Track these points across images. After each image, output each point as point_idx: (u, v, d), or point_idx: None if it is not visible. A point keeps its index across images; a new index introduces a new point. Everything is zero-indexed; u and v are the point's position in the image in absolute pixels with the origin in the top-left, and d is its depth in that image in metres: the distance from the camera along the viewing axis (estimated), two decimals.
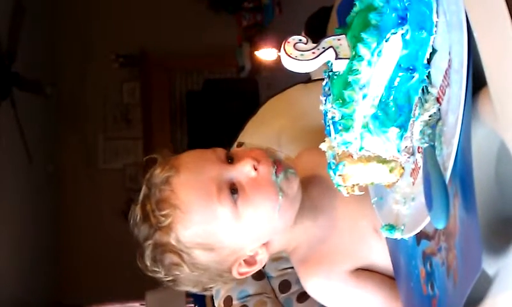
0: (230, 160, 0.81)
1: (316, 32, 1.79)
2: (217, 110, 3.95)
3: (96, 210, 3.90)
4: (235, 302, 0.99)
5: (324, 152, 0.68)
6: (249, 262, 0.84)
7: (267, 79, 4.01)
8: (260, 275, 1.01)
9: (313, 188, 0.85)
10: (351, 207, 0.83)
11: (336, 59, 0.60)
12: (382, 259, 0.81)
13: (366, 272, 0.83)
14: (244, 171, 0.80)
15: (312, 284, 0.85)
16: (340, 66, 0.61)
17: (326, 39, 0.62)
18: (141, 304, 3.35)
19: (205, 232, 0.79)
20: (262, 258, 0.84)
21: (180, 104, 4.30)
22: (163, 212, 0.79)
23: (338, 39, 0.61)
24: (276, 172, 0.80)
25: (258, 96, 4.04)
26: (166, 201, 0.79)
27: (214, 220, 0.79)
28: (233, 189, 0.79)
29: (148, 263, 0.82)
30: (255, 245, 0.83)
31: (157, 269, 0.82)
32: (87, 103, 4.12)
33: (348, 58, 0.60)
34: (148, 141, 4.15)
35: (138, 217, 0.81)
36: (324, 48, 0.61)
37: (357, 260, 0.83)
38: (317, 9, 2.02)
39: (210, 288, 0.89)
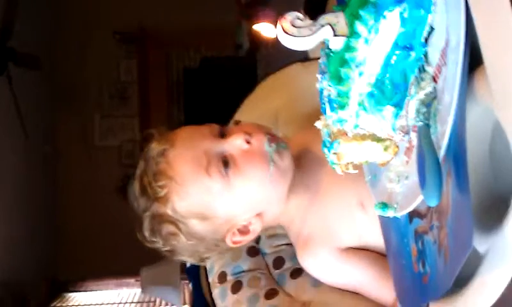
0: (223, 135, 0.84)
1: (315, 10, 1.78)
2: (215, 88, 3.94)
3: (93, 187, 3.91)
4: (229, 277, 1.00)
5: (317, 132, 0.69)
6: (243, 231, 0.87)
7: (265, 57, 4.00)
8: (254, 252, 1.03)
9: (304, 165, 0.88)
10: (338, 182, 0.84)
11: (333, 36, 0.60)
12: (370, 234, 0.83)
13: (358, 250, 0.85)
14: (235, 143, 0.83)
15: (306, 262, 0.89)
16: (337, 44, 0.60)
17: (323, 16, 0.61)
18: (136, 280, 3.38)
19: (200, 202, 0.83)
20: (255, 228, 0.87)
21: (177, 82, 4.28)
22: (159, 183, 0.82)
23: (336, 17, 0.61)
24: (269, 142, 0.81)
25: (256, 75, 4.03)
26: (162, 173, 0.83)
27: (206, 191, 0.82)
28: (225, 161, 0.82)
29: (147, 234, 0.85)
30: (249, 215, 0.86)
31: (155, 239, 0.86)
32: (84, 81, 4.11)
33: (345, 36, 0.59)
34: (144, 118, 4.15)
35: (137, 190, 0.85)
36: (321, 25, 0.60)
37: (345, 235, 0.85)
38: None
39: (207, 258, 0.92)
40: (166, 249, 0.87)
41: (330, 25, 0.60)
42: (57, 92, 4.05)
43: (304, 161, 0.89)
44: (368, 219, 0.82)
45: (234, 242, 0.88)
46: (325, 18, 0.61)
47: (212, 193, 0.82)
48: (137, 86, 4.19)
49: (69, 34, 4.05)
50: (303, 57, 1.38)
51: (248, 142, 0.82)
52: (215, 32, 4.14)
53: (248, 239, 0.89)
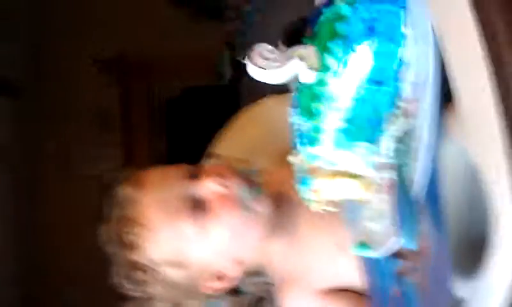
0: (195, 176, 0.81)
1: (294, 41, 1.78)
2: (197, 118, 3.93)
3: (73, 217, 3.84)
4: None
5: (291, 173, 0.67)
6: (221, 277, 0.83)
7: (248, 87, 4.00)
8: (235, 291, 0.99)
9: (282, 205, 0.85)
10: (315, 225, 0.83)
11: (304, 69, 0.58)
12: (353, 275, 0.80)
13: (339, 291, 0.82)
14: (208, 186, 0.79)
15: (285, 303, 0.85)
16: (307, 78, 0.58)
17: (293, 49, 0.59)
18: None
19: (172, 249, 0.79)
20: (233, 274, 0.83)
21: (159, 111, 4.27)
22: (128, 230, 0.79)
23: (306, 49, 0.59)
24: (243, 189, 0.79)
25: (239, 104, 4.02)
26: (132, 219, 0.79)
27: (178, 237, 0.79)
28: (197, 206, 0.78)
29: (122, 282, 0.81)
30: (225, 261, 0.82)
31: (132, 287, 0.81)
32: (65, 108, 4.07)
33: (316, 69, 0.57)
34: (126, 147, 4.11)
35: (108, 234, 0.81)
36: (290, 57, 0.58)
37: (326, 278, 0.82)
38: (296, 18, 2.01)
39: (184, 305, 0.88)
40: (145, 297, 0.82)
41: (300, 58, 0.58)
42: (37, 119, 4.01)
43: (281, 201, 0.86)
44: (349, 260, 0.79)
45: (213, 289, 0.84)
46: (295, 52, 0.59)
47: (185, 239, 0.79)
48: (119, 115, 4.17)
49: (50, 61, 4.03)
50: (285, 88, 1.36)
51: (222, 185, 0.79)
52: (197, 61, 4.14)
53: (226, 286, 0.85)
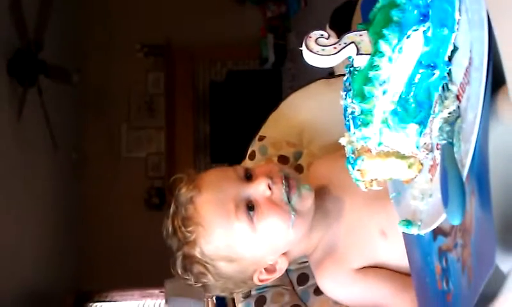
0: (249, 176, 0.88)
1: (341, 27, 1.79)
2: (240, 102, 3.96)
3: (119, 198, 3.95)
4: (253, 292, 1.01)
5: (339, 157, 0.70)
6: (270, 270, 0.91)
7: (290, 71, 4.01)
8: None
9: (325, 197, 0.91)
10: (358, 211, 0.89)
11: (357, 54, 0.61)
12: (390, 258, 0.86)
13: (373, 268, 0.87)
14: (259, 189, 0.86)
15: (324, 284, 0.91)
16: (361, 62, 0.61)
17: (347, 35, 0.62)
18: (161, 291, 3.40)
19: (226, 246, 0.87)
20: (282, 266, 0.91)
21: (203, 95, 4.32)
22: (188, 229, 0.87)
23: (360, 35, 0.62)
24: (288, 193, 0.86)
25: (282, 89, 4.04)
26: (190, 218, 0.87)
27: (233, 235, 0.86)
28: (250, 206, 0.86)
29: (180, 271, 0.91)
30: (274, 256, 0.90)
31: (188, 277, 0.91)
32: (112, 93, 4.17)
33: (369, 54, 0.60)
34: (170, 130, 4.19)
35: (169, 230, 0.90)
36: (345, 43, 0.61)
37: (364, 259, 0.88)
38: (342, 2, 2.02)
39: (237, 292, 0.95)
40: (198, 285, 0.91)
41: (354, 43, 0.61)
42: (86, 104, 4.12)
43: (326, 191, 0.92)
44: (389, 245, 0.85)
45: (261, 280, 0.91)
46: (349, 37, 0.62)
47: (238, 237, 0.86)
48: (164, 99, 4.24)
49: (98, 46, 4.12)
50: (328, 72, 1.38)
51: (270, 188, 0.86)
52: (241, 45, 4.17)
53: (274, 277, 0.92)
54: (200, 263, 0.88)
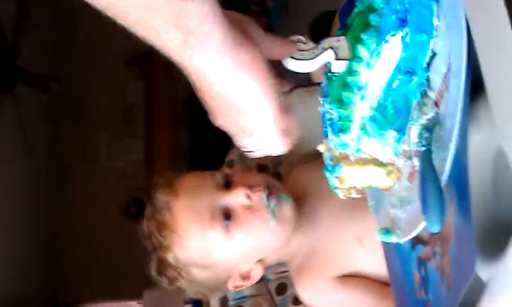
0: (227, 184, 0.87)
1: (320, 35, 1.79)
2: None
3: (97, 208, 3.90)
4: (231, 302, 1.00)
5: (312, 168, 0.70)
6: (244, 277, 0.91)
7: None
8: None
9: (303, 205, 0.91)
10: (336, 219, 0.89)
11: (335, 59, 0.60)
12: (368, 266, 0.86)
13: (353, 277, 0.87)
14: (237, 199, 0.86)
15: (303, 291, 0.91)
16: (339, 67, 0.60)
17: (325, 40, 0.61)
18: (139, 303, 3.35)
19: (200, 253, 0.86)
20: (256, 274, 0.90)
21: (183, 104, 4.30)
22: (162, 234, 0.87)
23: (338, 40, 0.61)
24: (268, 198, 0.83)
25: None
26: (165, 224, 0.87)
27: (207, 243, 0.86)
28: (227, 215, 0.85)
29: (154, 273, 0.91)
30: (249, 263, 0.88)
31: (161, 279, 0.91)
32: (90, 101, 4.13)
33: (347, 59, 0.59)
34: (150, 140, 4.16)
35: (145, 232, 0.90)
36: (323, 48, 0.60)
37: (342, 267, 0.88)
38: (321, 13, 2.02)
39: (212, 296, 0.94)
40: (171, 288, 0.92)
41: (332, 48, 0.60)
42: (64, 112, 4.07)
43: (304, 199, 0.91)
44: (366, 253, 0.85)
45: (236, 287, 0.91)
46: (327, 42, 0.61)
47: (214, 245, 0.85)
48: (143, 108, 4.21)
49: (77, 55, 4.09)
50: (306, 81, 1.37)
51: (249, 197, 0.84)
52: None
53: (249, 284, 0.92)
54: (173, 268, 0.88)
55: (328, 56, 0.60)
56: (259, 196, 0.85)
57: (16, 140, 3.31)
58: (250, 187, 0.85)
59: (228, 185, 0.87)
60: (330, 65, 0.61)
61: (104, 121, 4.19)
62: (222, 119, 0.55)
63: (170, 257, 0.86)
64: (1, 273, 3.09)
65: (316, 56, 0.60)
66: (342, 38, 0.61)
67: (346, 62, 0.59)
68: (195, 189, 0.87)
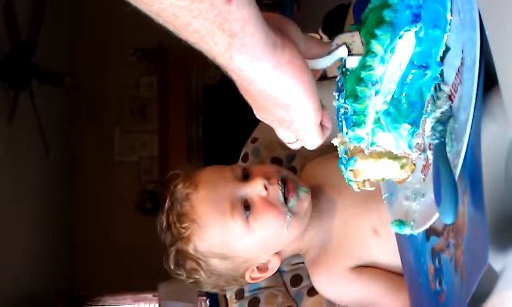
0: (246, 176, 0.89)
1: (333, 29, 1.79)
2: (233, 105, 3.96)
3: (111, 202, 3.94)
4: (246, 294, 1.01)
5: (327, 161, 0.71)
6: (262, 269, 0.93)
7: None
8: None
9: (318, 197, 0.91)
10: (351, 211, 0.90)
11: (349, 55, 0.61)
12: (382, 257, 0.86)
13: (367, 268, 0.88)
14: (255, 189, 0.87)
15: (319, 282, 0.91)
16: (352, 63, 0.61)
17: (339, 36, 0.62)
18: (154, 295, 3.39)
19: (220, 243, 0.87)
20: (274, 265, 0.91)
21: (196, 99, 4.32)
22: (183, 225, 0.88)
23: (352, 36, 0.62)
24: (286, 194, 0.87)
25: None
26: (185, 215, 0.88)
27: (227, 233, 0.87)
28: (246, 206, 0.86)
29: (172, 266, 0.91)
30: (267, 255, 0.89)
31: (180, 272, 0.92)
32: (104, 96, 4.16)
33: (361, 55, 0.60)
34: (163, 134, 4.18)
35: (163, 225, 0.91)
36: (337, 44, 0.61)
37: (357, 258, 0.88)
38: (335, 6, 2.02)
39: (228, 289, 0.95)
40: (189, 281, 0.92)
41: (346, 44, 0.61)
42: (78, 107, 4.11)
43: (319, 192, 0.92)
44: (381, 244, 0.85)
45: (253, 279, 0.92)
46: (341, 38, 0.62)
47: (233, 235, 0.86)
48: (157, 102, 4.23)
49: (91, 50, 4.11)
50: (321, 75, 1.38)
51: (266, 189, 0.86)
52: None
53: (266, 275, 0.93)
54: (193, 259, 0.88)
55: (341, 52, 0.61)
56: (276, 189, 0.86)
57: (34, 137, 3.34)
58: (267, 178, 0.87)
59: (246, 177, 0.88)
60: (344, 60, 0.62)
61: (117, 116, 4.22)
62: (261, 113, 0.59)
63: (190, 248, 0.87)
64: (18, 269, 3.14)
65: (330, 52, 0.61)
66: (356, 33, 0.62)
67: (359, 57, 0.60)
68: (215, 181, 0.88)
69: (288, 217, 0.85)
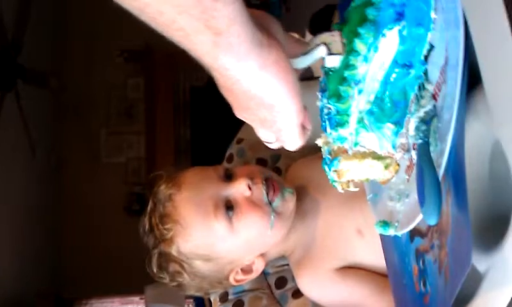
0: (229, 176, 0.87)
1: (320, 29, 1.79)
2: (221, 106, 3.95)
3: (98, 204, 3.91)
4: (230, 296, 1.00)
5: (311, 162, 0.70)
6: (246, 271, 0.92)
7: None
8: None
9: (302, 198, 0.91)
10: (335, 212, 0.90)
11: (328, 55, 0.60)
12: (367, 258, 0.86)
13: (352, 269, 0.87)
14: (239, 189, 0.86)
15: (303, 283, 0.91)
16: (332, 62, 0.61)
17: (319, 36, 0.62)
18: (141, 298, 3.37)
19: (204, 245, 0.86)
20: (258, 267, 0.90)
21: (184, 100, 4.30)
22: (166, 226, 0.86)
23: (332, 35, 0.61)
24: (271, 195, 0.85)
25: None
26: (168, 216, 0.86)
27: (211, 234, 0.85)
28: (229, 206, 0.85)
29: (155, 270, 0.89)
30: (251, 256, 0.88)
31: (163, 276, 0.90)
32: (91, 97, 4.13)
33: (341, 54, 0.60)
34: (151, 136, 4.16)
35: (146, 227, 0.89)
36: (316, 44, 0.61)
37: (342, 259, 0.88)
38: (322, 7, 2.02)
39: (212, 292, 0.94)
40: (172, 284, 0.91)
41: (325, 44, 0.60)
42: (64, 108, 4.07)
43: (303, 193, 0.92)
44: (366, 244, 0.85)
45: (237, 281, 0.91)
46: (320, 38, 0.61)
47: (216, 236, 0.85)
48: (144, 104, 4.21)
49: (76, 50, 4.08)
50: (308, 76, 1.38)
51: (250, 189, 0.85)
52: None
53: (250, 277, 0.92)
54: (176, 262, 0.87)
55: (320, 52, 0.60)
56: (259, 189, 0.85)
57: (18, 137, 3.31)
58: (251, 178, 0.86)
59: (229, 178, 0.87)
60: (324, 59, 0.62)
61: (104, 117, 4.19)
62: (243, 112, 0.57)
63: (173, 249, 0.86)
64: (4, 272, 3.10)
65: (308, 52, 0.60)
66: (337, 33, 0.61)
67: (339, 57, 0.59)
68: (198, 182, 0.87)
69: (272, 217, 0.84)
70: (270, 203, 0.85)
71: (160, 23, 0.46)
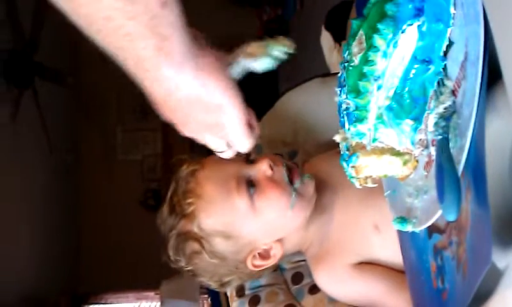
0: (250, 161, 0.88)
1: (336, 27, 1.79)
2: None
3: (115, 201, 3.94)
4: (247, 291, 1.01)
5: (334, 154, 0.70)
6: (264, 256, 0.90)
7: (286, 72, 4.01)
8: (273, 267, 1.03)
9: (321, 193, 0.91)
10: (352, 207, 0.90)
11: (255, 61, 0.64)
12: (384, 254, 0.85)
13: (369, 265, 0.87)
14: (261, 168, 0.86)
15: (321, 278, 0.90)
16: (260, 66, 0.63)
17: (242, 47, 0.65)
18: (156, 293, 3.39)
19: (225, 221, 0.86)
20: (276, 253, 0.89)
21: None
22: (188, 200, 0.86)
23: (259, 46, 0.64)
24: (291, 177, 0.86)
25: (278, 89, 4.03)
26: (190, 191, 0.87)
27: (233, 211, 0.85)
28: (251, 184, 0.85)
29: (171, 253, 0.89)
30: (270, 240, 0.88)
31: (179, 258, 0.89)
32: (107, 95, 4.16)
33: (268, 56, 0.62)
34: (166, 132, 4.18)
35: (165, 211, 0.89)
36: (241, 57, 0.65)
37: (358, 255, 0.88)
38: (337, 3, 2.01)
39: (227, 283, 0.93)
40: (188, 268, 0.90)
41: (250, 53, 0.63)
42: (81, 106, 4.11)
43: (321, 187, 0.92)
44: (383, 240, 0.85)
45: (254, 266, 0.90)
46: (245, 50, 0.64)
47: (238, 213, 0.85)
48: None
49: (92, 48, 4.10)
50: (324, 72, 1.38)
51: (272, 169, 0.86)
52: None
53: (268, 264, 0.91)
54: (196, 239, 0.86)
55: (248, 62, 0.63)
56: (280, 170, 0.86)
57: (37, 135, 3.34)
58: (272, 160, 0.87)
59: (251, 162, 0.88)
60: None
61: (120, 115, 4.22)
62: (189, 125, 0.60)
63: (195, 225, 0.86)
64: (22, 267, 3.14)
65: (233, 64, 0.63)
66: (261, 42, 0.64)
67: (268, 59, 0.61)
68: (221, 161, 0.87)
69: (293, 195, 0.85)
70: (291, 183, 0.85)
71: (107, 29, 0.48)
